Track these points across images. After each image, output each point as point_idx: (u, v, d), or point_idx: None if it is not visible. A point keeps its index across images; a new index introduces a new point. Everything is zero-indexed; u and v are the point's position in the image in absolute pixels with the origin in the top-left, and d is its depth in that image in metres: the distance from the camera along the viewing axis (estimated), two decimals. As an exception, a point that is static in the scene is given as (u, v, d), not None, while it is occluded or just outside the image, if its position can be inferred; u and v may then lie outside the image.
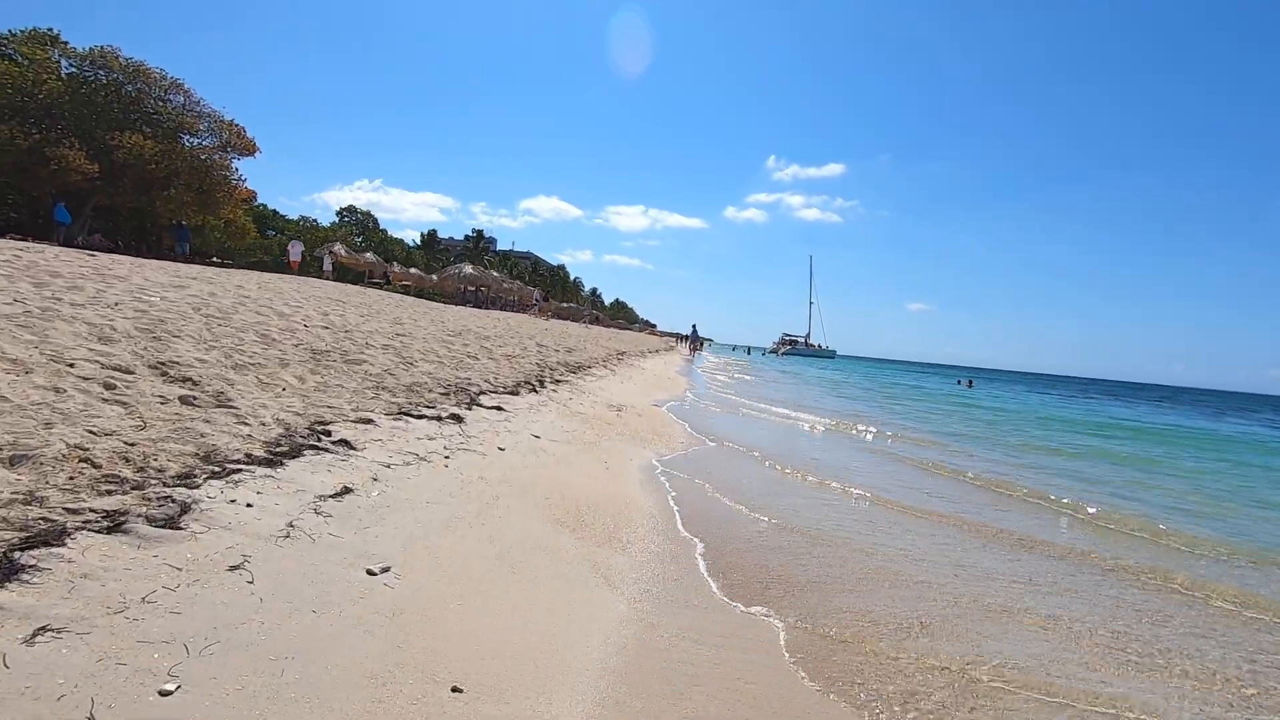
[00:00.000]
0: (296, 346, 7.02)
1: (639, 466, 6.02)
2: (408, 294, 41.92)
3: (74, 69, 31.14)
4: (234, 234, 40.69)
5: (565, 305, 65.22)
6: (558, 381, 10.47)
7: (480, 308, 37.86)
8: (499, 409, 6.83)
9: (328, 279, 34.06)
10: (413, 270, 47.15)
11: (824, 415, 13.22)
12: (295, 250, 36.59)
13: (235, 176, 35.38)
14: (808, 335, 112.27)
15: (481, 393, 7.40)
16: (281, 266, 36.41)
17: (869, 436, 10.87)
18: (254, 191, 35.82)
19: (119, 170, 29.87)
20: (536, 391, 8.68)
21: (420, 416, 5.49)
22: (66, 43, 32.01)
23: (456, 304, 38.29)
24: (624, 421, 8.47)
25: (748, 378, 27.33)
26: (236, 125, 34.67)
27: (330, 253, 40.73)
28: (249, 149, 35.05)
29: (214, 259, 39.58)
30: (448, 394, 6.78)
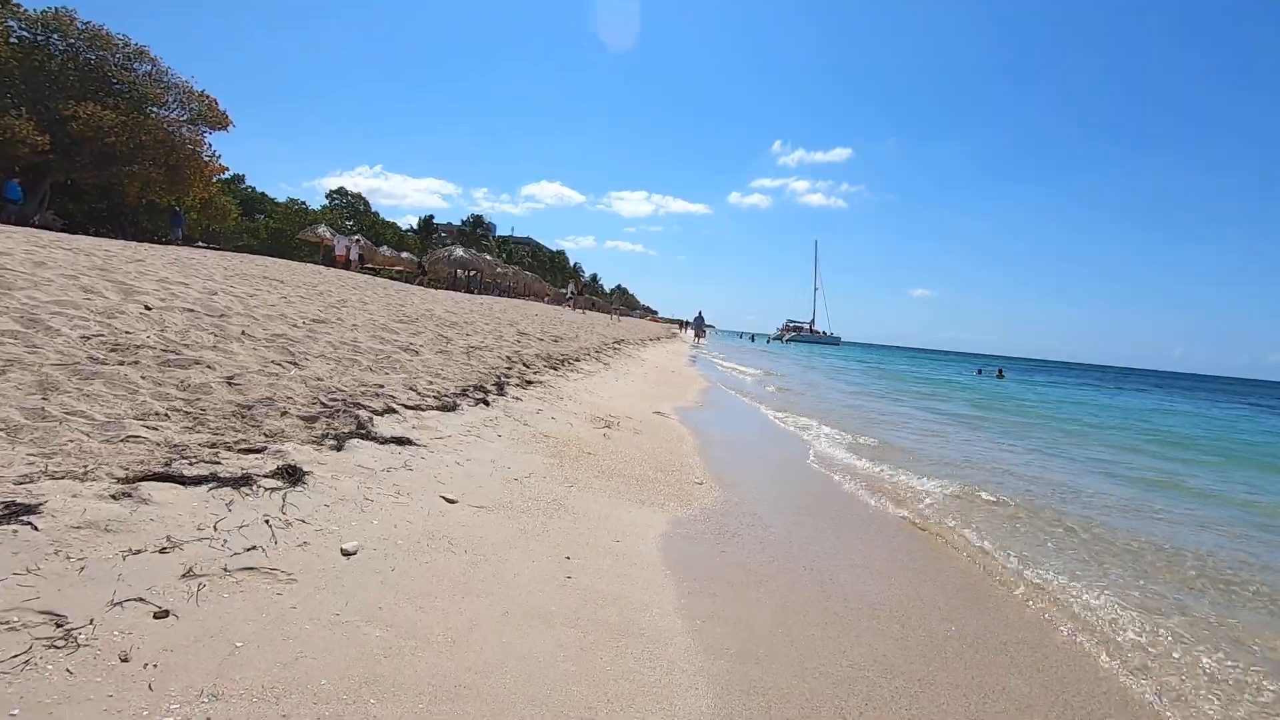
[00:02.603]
0: (86, 339, 4.26)
1: (633, 565, 3.23)
2: (400, 279, 39.19)
3: (25, 33, 28.24)
4: (213, 215, 37.96)
5: (595, 299, 62.84)
6: (528, 382, 7.70)
7: (472, 293, 35.08)
8: (402, 442, 4.08)
9: (351, 268, 31.25)
10: (404, 255, 44.51)
11: (909, 429, 10.45)
12: (340, 245, 33.92)
13: (208, 152, 32.55)
14: (812, 321, 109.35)
15: (386, 411, 4.64)
16: (328, 262, 33.81)
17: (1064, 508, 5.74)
18: (227, 168, 32.90)
19: (75, 143, 27.10)
20: (487, 403, 5.90)
21: (199, 480, 2.75)
22: (18, 5, 29.05)
23: (447, 289, 35.52)
24: (614, 447, 5.70)
25: (769, 370, 24.49)
26: (208, 97, 31.78)
27: (356, 241, 37.87)
28: (222, 122, 32.20)
29: (199, 242, 37.01)
30: (317, 418, 4.03)
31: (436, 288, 38.96)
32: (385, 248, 43.49)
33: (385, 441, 3.99)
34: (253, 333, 6.00)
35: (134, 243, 18.20)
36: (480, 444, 4.62)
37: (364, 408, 4.55)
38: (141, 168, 28.44)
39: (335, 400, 4.54)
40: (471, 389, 6.23)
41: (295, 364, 5.30)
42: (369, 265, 42.44)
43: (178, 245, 24.41)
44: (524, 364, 9.10)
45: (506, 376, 7.56)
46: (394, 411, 4.70)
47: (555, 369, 9.60)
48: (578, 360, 11.18)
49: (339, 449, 3.61)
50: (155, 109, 29.90)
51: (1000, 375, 37.94)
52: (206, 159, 32.01)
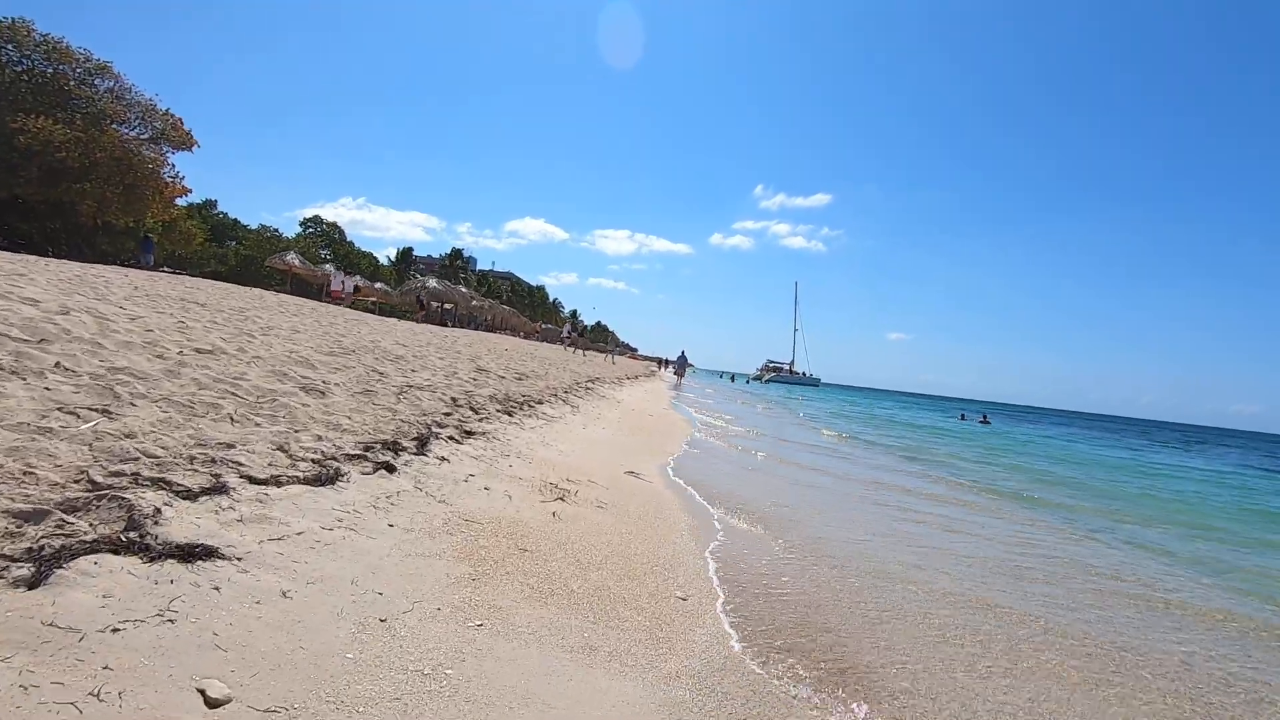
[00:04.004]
0: None
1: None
2: (371, 311, 37.52)
3: (-24, 43, 26.72)
4: (176, 239, 36.07)
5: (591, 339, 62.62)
6: (468, 433, 6.05)
7: (445, 325, 33.38)
8: (194, 555, 2.43)
9: (342, 304, 31.57)
10: (378, 285, 42.89)
11: (934, 525, 6.65)
12: (336, 280, 34.00)
13: (170, 173, 30.89)
14: (792, 362, 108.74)
15: (209, 490, 2.99)
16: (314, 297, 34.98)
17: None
18: (190, 189, 31.19)
19: (21, 157, 25.33)
20: (392, 468, 4.24)
21: None
22: (-30, 14, 27.55)
23: (419, 322, 33.77)
24: (565, 534, 4.06)
25: (756, 413, 23.00)
26: (172, 115, 30.29)
27: (348, 277, 37.90)
28: (186, 142, 30.65)
29: (164, 268, 35.17)
30: (46, 514, 2.37)
31: (412, 320, 37.21)
32: (358, 277, 41.86)
33: (160, 556, 2.33)
34: (77, 366, 4.33)
35: (69, 261, 16.40)
36: (349, 545, 2.97)
37: (169, 486, 2.90)
38: (94, 185, 26.67)
39: (120, 474, 2.87)
40: (379, 446, 4.58)
41: (106, 412, 3.62)
42: (363, 299, 40.75)
43: (148, 270, 22.85)
44: (471, 408, 7.47)
45: (441, 425, 5.92)
46: (222, 491, 3.04)
47: (510, 414, 7.96)
48: (540, 403, 9.54)
49: (33, 585, 1.96)
50: (115, 126, 28.32)
51: (985, 421, 36.88)
52: (169, 180, 30.36)
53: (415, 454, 4.76)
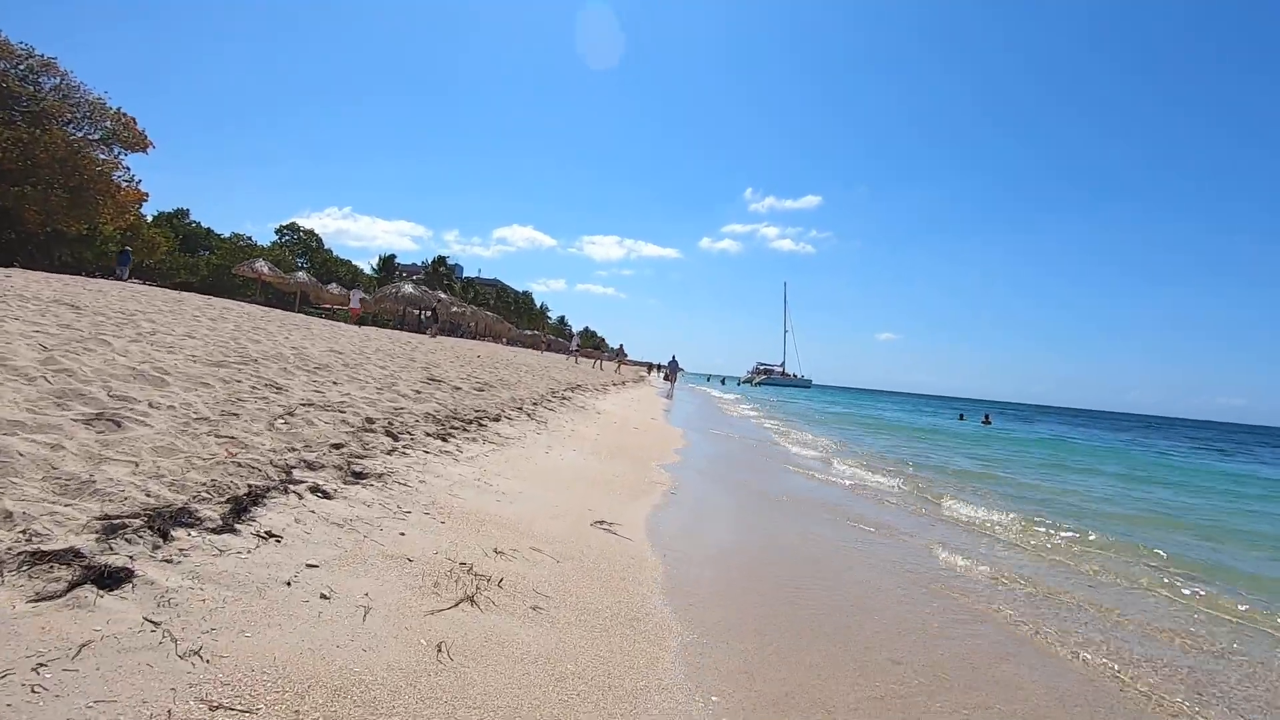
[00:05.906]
0: None
1: None
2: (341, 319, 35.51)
3: (-96, 37, 24.52)
4: (140, 249, 33.75)
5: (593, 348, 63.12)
6: (357, 475, 4.04)
7: (421, 334, 31.26)
8: None
9: (351, 321, 31.42)
10: (353, 292, 40.67)
11: None
12: (355, 298, 33.27)
13: (124, 176, 28.68)
14: (783, 364, 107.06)
15: None
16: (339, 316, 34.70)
17: None
18: (147, 195, 28.94)
19: (-49, 159, 23.14)
20: (110, 579, 2.19)
21: None
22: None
23: (432, 336, 31.65)
24: (446, 704, 2.08)
25: (753, 423, 21.03)
26: (125, 115, 28.09)
27: (361, 290, 37.28)
28: (139, 143, 28.44)
29: (133, 279, 32.89)
30: None
31: (391, 328, 35.22)
32: (334, 285, 39.72)
33: None
34: None
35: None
36: None
37: None
38: (36, 189, 24.42)
39: None
40: (141, 521, 2.55)
41: None
42: (327, 306, 38.65)
43: (119, 282, 21.27)
44: (389, 432, 5.45)
45: (314, 466, 3.89)
46: None
47: (446, 438, 5.94)
48: (496, 419, 7.52)
49: None
50: (61, 126, 26.11)
51: (987, 421, 35.07)
52: (124, 184, 28.16)
53: (216, 530, 2.74)
